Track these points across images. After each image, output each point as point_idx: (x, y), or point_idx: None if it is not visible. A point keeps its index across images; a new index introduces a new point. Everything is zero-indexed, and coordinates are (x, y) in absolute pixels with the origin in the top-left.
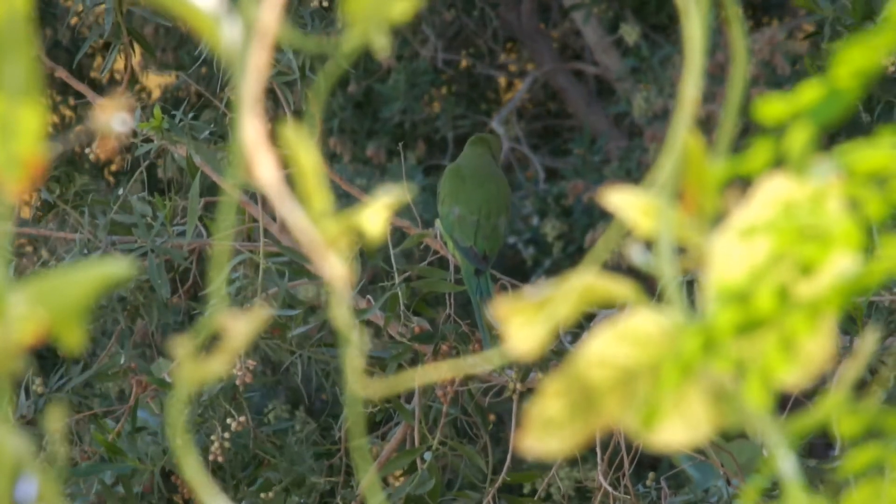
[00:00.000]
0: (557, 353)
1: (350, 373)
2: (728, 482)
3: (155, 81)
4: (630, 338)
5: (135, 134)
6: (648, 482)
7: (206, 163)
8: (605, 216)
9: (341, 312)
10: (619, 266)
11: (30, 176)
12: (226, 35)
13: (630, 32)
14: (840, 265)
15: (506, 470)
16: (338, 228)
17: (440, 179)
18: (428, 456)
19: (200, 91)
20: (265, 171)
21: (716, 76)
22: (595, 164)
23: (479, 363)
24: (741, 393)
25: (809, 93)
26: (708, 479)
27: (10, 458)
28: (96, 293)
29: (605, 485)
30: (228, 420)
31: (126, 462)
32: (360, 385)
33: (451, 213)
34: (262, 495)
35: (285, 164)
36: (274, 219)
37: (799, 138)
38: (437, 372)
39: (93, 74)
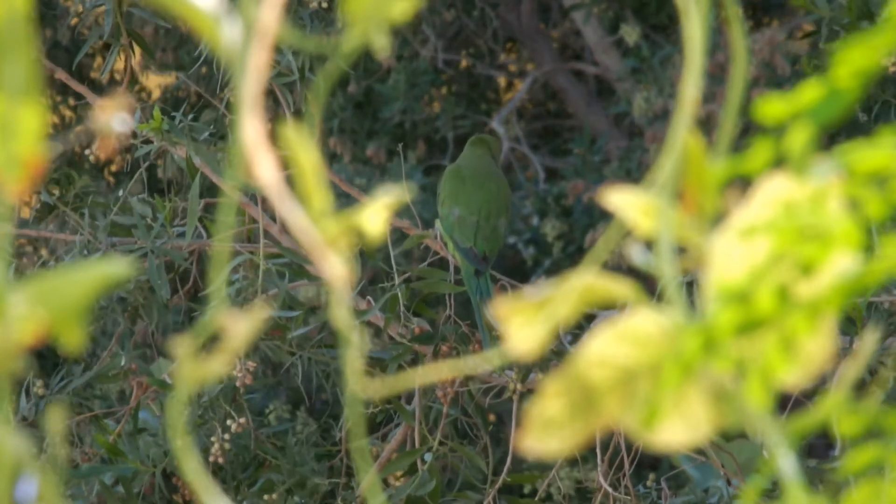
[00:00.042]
0: (557, 353)
1: (350, 374)
2: (728, 482)
3: (155, 82)
4: (630, 338)
5: (135, 135)
6: (649, 483)
7: (205, 164)
8: (605, 216)
9: (341, 313)
10: (619, 266)
11: (30, 176)
12: (226, 35)
13: (630, 32)
14: (840, 265)
15: (506, 470)
16: (338, 229)
17: (440, 180)
18: (428, 457)
19: (200, 92)
20: (265, 171)
21: (716, 76)
22: (595, 165)
23: (479, 364)
24: (741, 393)
25: (809, 93)
26: (708, 479)
27: (11, 459)
28: (96, 294)
29: (606, 485)
30: (229, 421)
31: (127, 463)
32: (360, 386)
33: (451, 214)
34: (265, 497)
35: (285, 164)
36: (274, 220)
37: (799, 138)
38: (437, 372)
39: (93, 75)
